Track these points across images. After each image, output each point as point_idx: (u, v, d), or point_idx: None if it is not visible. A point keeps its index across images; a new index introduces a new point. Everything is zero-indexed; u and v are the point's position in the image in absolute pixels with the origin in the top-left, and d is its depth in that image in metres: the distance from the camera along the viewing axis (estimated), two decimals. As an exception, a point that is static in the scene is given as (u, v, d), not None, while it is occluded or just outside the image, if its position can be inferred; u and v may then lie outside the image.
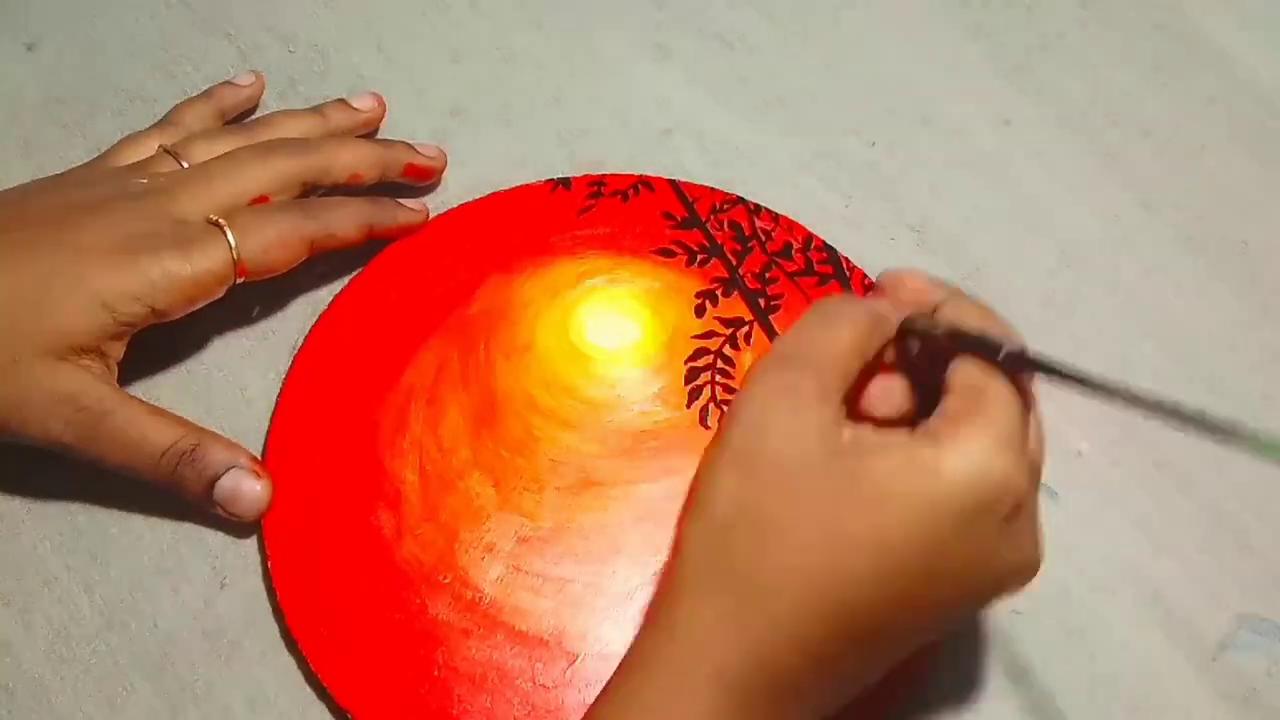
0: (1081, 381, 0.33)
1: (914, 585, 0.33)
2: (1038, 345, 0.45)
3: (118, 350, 0.42)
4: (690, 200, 0.50)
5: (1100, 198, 0.51)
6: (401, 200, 0.48)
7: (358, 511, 0.43)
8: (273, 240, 0.44)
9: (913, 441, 0.34)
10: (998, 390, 0.34)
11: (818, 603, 0.33)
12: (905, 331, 0.37)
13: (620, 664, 0.35)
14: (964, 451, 0.33)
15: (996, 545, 0.34)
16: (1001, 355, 0.34)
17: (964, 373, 0.35)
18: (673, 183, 0.50)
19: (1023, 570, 0.35)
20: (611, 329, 0.47)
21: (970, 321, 0.36)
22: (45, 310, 0.40)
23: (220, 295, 0.44)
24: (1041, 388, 0.41)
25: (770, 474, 0.34)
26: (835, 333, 0.36)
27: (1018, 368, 0.34)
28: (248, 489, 0.42)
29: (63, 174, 0.46)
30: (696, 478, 0.36)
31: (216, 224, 0.43)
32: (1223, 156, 0.51)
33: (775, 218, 0.49)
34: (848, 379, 0.35)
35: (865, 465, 0.33)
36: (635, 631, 0.36)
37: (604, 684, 0.35)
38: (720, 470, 0.34)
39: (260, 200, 0.45)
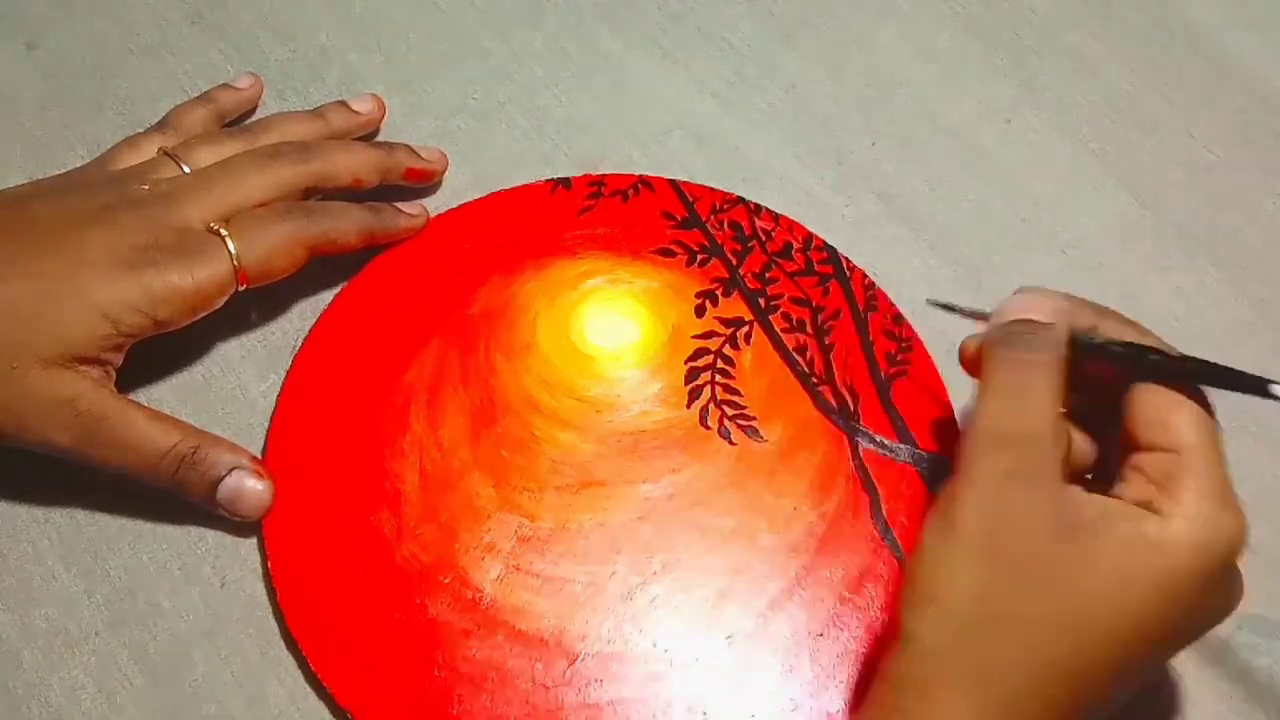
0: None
1: (1147, 649, 0.34)
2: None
3: (118, 358, 0.42)
4: (690, 200, 0.50)
5: (1100, 198, 0.50)
6: (401, 206, 0.48)
7: (358, 511, 0.43)
8: (274, 248, 0.44)
9: (1137, 513, 0.34)
10: (1198, 434, 0.34)
11: (1064, 692, 0.33)
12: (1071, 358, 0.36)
13: None
14: (1190, 518, 0.33)
15: (1220, 594, 0.35)
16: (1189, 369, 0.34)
17: (1152, 409, 0.35)
18: (673, 182, 0.50)
19: (1232, 605, 0.35)
20: (611, 329, 0.47)
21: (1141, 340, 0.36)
22: (46, 321, 0.40)
23: (222, 304, 0.44)
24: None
25: (1012, 567, 0.33)
26: (1039, 395, 0.35)
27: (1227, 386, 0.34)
28: (251, 489, 0.42)
29: (62, 176, 0.46)
30: (918, 564, 0.34)
31: (217, 233, 0.43)
32: (1223, 156, 0.51)
33: (775, 218, 0.49)
34: (1062, 441, 0.35)
35: (1098, 548, 0.33)
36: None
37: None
38: (958, 565, 0.34)
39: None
